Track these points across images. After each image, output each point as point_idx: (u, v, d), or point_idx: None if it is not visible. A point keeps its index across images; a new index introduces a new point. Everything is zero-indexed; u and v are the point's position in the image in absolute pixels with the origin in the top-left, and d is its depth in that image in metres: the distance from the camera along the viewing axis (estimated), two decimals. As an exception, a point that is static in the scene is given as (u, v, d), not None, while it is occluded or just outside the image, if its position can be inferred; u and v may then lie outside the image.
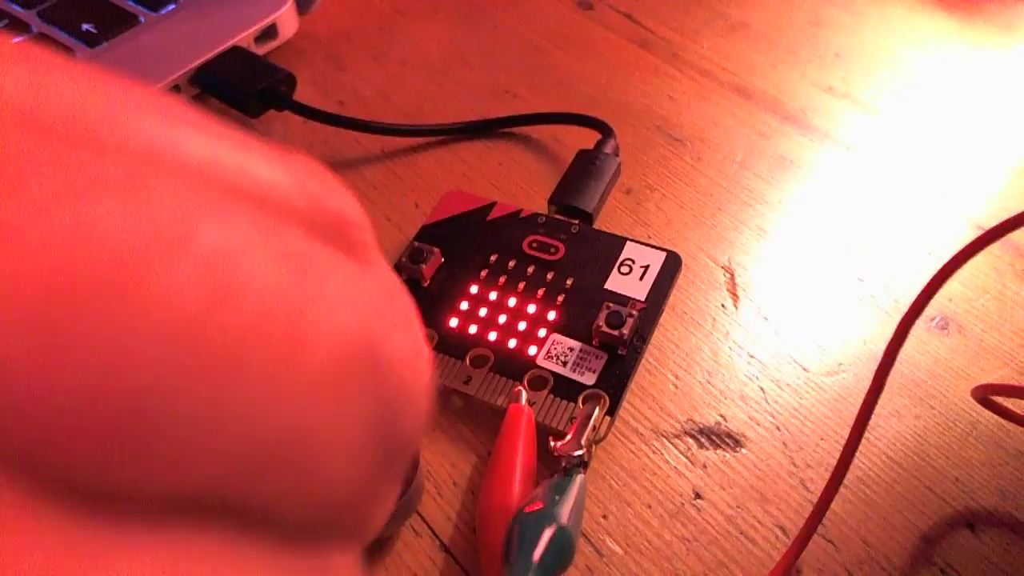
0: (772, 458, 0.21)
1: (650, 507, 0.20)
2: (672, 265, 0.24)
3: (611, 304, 0.22)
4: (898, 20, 0.34)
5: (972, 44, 0.33)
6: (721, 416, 0.22)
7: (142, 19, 0.32)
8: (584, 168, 0.27)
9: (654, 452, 0.21)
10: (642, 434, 0.21)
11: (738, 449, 0.21)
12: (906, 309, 0.16)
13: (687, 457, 0.21)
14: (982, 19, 0.34)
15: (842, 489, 0.18)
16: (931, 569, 0.19)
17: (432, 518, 0.20)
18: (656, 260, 0.24)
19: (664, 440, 0.21)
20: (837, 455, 0.21)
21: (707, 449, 0.21)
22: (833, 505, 0.18)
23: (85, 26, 0.31)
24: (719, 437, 0.21)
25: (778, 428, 0.21)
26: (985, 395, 0.19)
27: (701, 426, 0.22)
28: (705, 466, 0.21)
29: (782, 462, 0.21)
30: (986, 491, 0.20)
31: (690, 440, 0.21)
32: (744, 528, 0.20)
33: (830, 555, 0.19)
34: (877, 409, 0.17)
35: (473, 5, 0.37)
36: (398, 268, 0.24)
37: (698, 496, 0.20)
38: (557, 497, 0.18)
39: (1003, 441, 0.21)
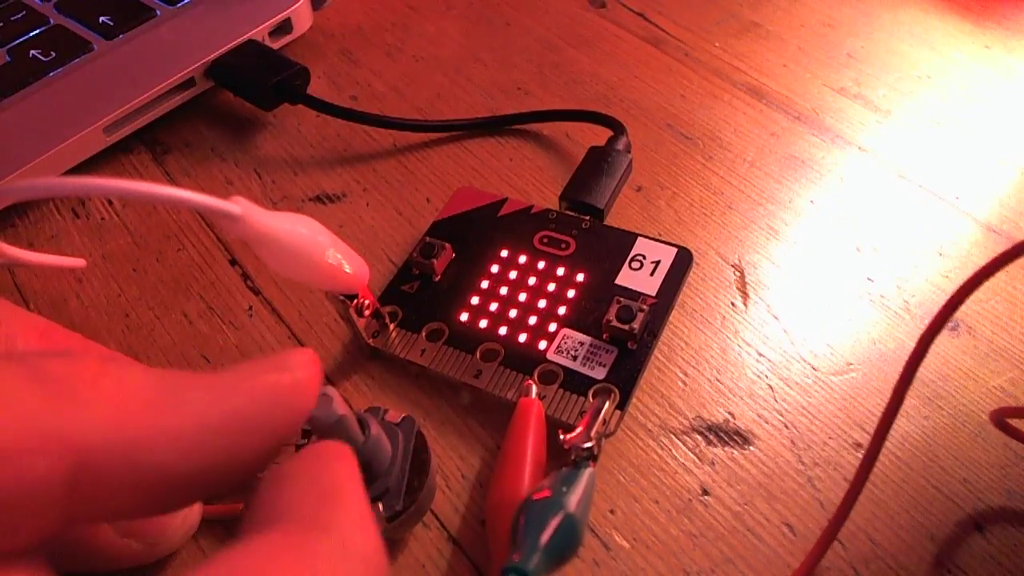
0: (780, 456, 0.21)
1: (658, 503, 0.20)
2: (683, 261, 0.24)
3: (622, 299, 0.22)
4: (910, 21, 0.34)
5: (983, 46, 0.33)
6: (729, 413, 0.22)
7: (158, 12, 0.32)
8: (595, 165, 0.27)
9: (662, 448, 0.21)
10: (650, 430, 0.21)
11: (746, 447, 0.21)
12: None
13: (695, 454, 0.21)
14: (993, 21, 0.34)
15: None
16: (939, 569, 0.19)
17: (441, 510, 0.20)
18: (667, 256, 0.24)
19: (672, 436, 0.21)
20: (845, 454, 0.21)
21: (715, 446, 0.21)
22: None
23: (102, 19, 0.31)
24: (727, 434, 0.21)
25: (786, 426, 0.21)
26: (1001, 418, 0.19)
27: (709, 423, 0.22)
28: (713, 463, 0.21)
29: (790, 460, 0.21)
30: (995, 492, 0.20)
31: (698, 437, 0.21)
32: (751, 525, 0.20)
33: (837, 553, 0.19)
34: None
35: (487, 2, 0.37)
36: (410, 263, 0.24)
37: (705, 492, 0.20)
38: (565, 487, 0.18)
39: (1012, 443, 0.21)
